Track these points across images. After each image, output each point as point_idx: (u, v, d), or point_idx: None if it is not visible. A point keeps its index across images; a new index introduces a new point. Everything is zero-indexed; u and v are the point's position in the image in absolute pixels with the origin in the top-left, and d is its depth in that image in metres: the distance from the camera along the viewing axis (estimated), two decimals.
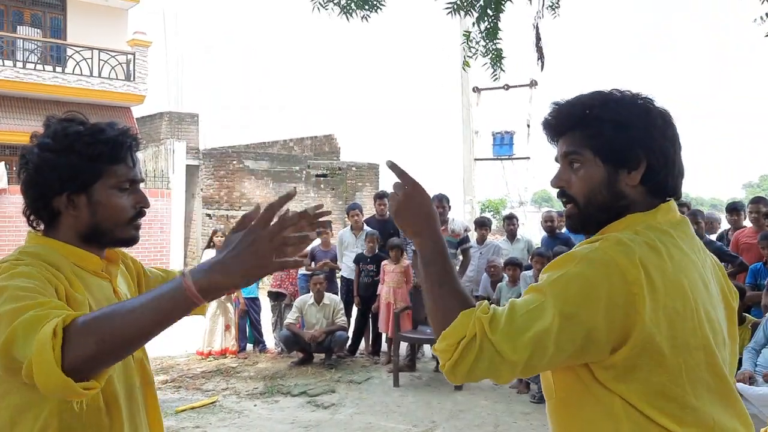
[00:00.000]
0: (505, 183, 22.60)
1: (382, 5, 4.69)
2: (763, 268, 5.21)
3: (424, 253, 1.24)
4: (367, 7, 4.66)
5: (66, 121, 1.37)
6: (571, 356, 1.10)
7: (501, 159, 21.22)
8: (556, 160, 1.30)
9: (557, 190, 1.31)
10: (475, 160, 17.26)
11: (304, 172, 14.62)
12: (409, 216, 1.27)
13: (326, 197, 14.83)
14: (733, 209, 6.26)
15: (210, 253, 7.60)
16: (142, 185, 1.47)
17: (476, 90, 23.05)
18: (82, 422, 1.27)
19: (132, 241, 1.45)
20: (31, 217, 1.38)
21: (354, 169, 15.48)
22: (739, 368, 4.19)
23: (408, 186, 1.28)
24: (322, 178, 14.89)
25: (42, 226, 1.38)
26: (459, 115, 15.69)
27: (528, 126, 23.00)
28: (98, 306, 1.35)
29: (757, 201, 5.85)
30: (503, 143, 22.02)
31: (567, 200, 1.28)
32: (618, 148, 1.20)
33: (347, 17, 4.66)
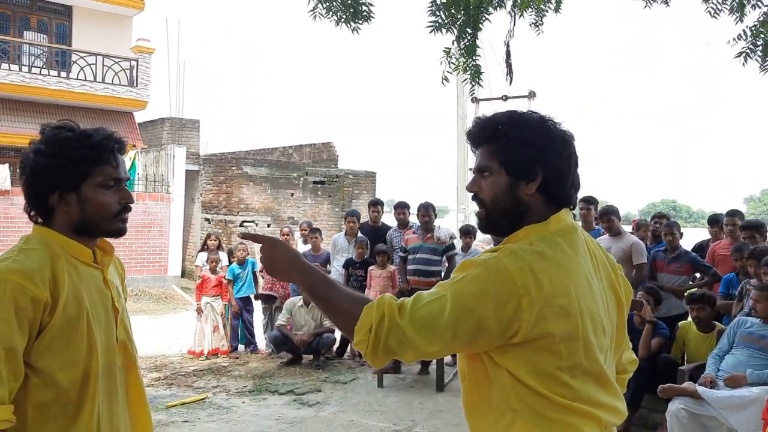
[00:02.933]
0: None
1: (372, 17, 4.92)
2: (735, 279, 5.40)
3: (304, 286, 1.46)
4: (358, 19, 4.89)
5: (57, 128, 1.60)
6: (467, 343, 1.31)
7: None
8: (473, 170, 1.51)
9: (471, 194, 1.52)
10: (470, 170, 17.46)
11: (302, 179, 14.86)
12: (276, 267, 1.50)
13: (323, 204, 15.06)
14: (714, 222, 6.48)
15: (203, 256, 7.84)
16: (129, 186, 1.70)
17: (474, 101, 23.36)
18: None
19: (119, 232, 1.66)
20: (32, 213, 1.60)
21: (351, 176, 15.71)
22: (702, 373, 4.39)
23: (264, 245, 1.51)
24: (319, 185, 15.12)
25: (41, 220, 1.61)
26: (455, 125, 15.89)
27: None
28: (89, 293, 1.56)
29: (732, 214, 6.05)
30: None
31: (478, 203, 1.50)
32: (519, 162, 1.41)
33: (346, 25, 4.89)
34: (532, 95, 23.06)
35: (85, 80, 15.23)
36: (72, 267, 1.54)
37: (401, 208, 7.29)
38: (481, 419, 1.39)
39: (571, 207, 1.48)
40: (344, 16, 4.81)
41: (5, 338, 1.38)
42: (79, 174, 1.56)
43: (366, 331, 1.31)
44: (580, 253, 1.41)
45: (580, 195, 1.60)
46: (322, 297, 1.43)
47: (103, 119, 15.73)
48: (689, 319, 5.35)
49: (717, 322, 5.03)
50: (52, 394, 1.46)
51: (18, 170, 1.65)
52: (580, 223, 7.00)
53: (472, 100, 23.09)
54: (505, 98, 22.87)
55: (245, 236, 1.79)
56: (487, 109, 20.13)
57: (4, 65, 14.50)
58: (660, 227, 6.30)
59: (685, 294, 5.35)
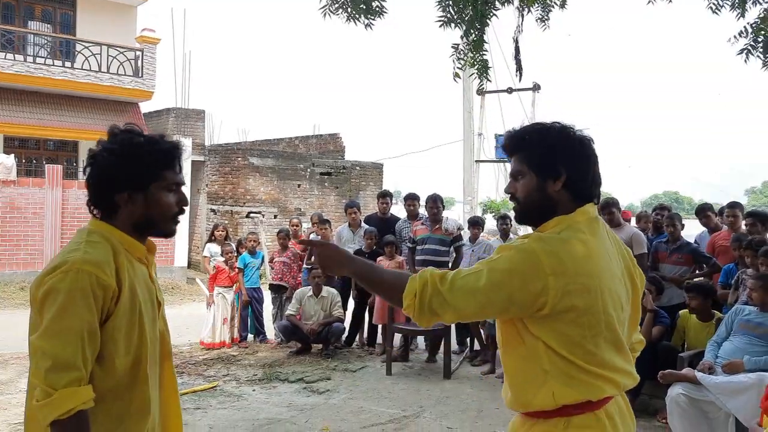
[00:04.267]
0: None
1: (385, 12, 5.01)
2: (735, 269, 5.52)
3: (355, 275, 1.78)
4: (371, 15, 4.98)
5: (129, 132, 1.70)
6: (500, 311, 1.58)
7: (503, 161, 21.52)
8: (509, 175, 1.80)
9: (509, 195, 1.80)
10: (477, 161, 17.55)
11: (309, 170, 14.96)
12: (331, 263, 1.80)
13: (330, 195, 15.17)
14: (700, 211, 6.61)
15: (211, 247, 7.98)
16: (183, 187, 1.80)
17: (480, 93, 23.38)
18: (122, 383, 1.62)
19: (173, 233, 1.80)
20: (93, 208, 1.70)
21: (358, 168, 15.81)
22: (701, 360, 4.52)
23: (317, 248, 1.84)
24: (326, 177, 15.22)
25: (99, 215, 1.70)
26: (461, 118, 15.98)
27: None
28: (140, 287, 1.67)
29: (732, 206, 6.17)
30: None
31: (515, 202, 1.77)
32: (544, 165, 1.68)
33: (354, 22, 4.98)
34: (536, 87, 23.14)
35: (90, 70, 15.30)
36: (128, 261, 1.66)
37: (411, 199, 7.42)
38: (519, 382, 1.64)
39: (595, 201, 1.73)
40: (355, 13, 4.89)
41: (88, 322, 1.50)
42: (150, 176, 1.68)
43: (412, 297, 1.59)
44: (601, 240, 1.65)
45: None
46: (371, 280, 1.75)
47: (108, 109, 15.83)
48: None
49: (716, 311, 5.15)
50: (112, 382, 1.58)
51: (85, 164, 1.74)
52: None
53: (478, 92, 23.18)
54: (510, 91, 22.93)
55: (302, 242, 2.21)
56: (493, 101, 20.17)
57: (9, 55, 14.55)
58: (662, 219, 6.41)
59: (680, 289, 5.48)
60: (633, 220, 7.13)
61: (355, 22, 4.99)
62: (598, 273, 1.57)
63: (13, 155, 12.75)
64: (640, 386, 5.04)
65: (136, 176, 1.66)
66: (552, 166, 1.66)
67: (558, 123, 1.74)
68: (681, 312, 5.24)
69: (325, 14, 4.98)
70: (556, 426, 1.57)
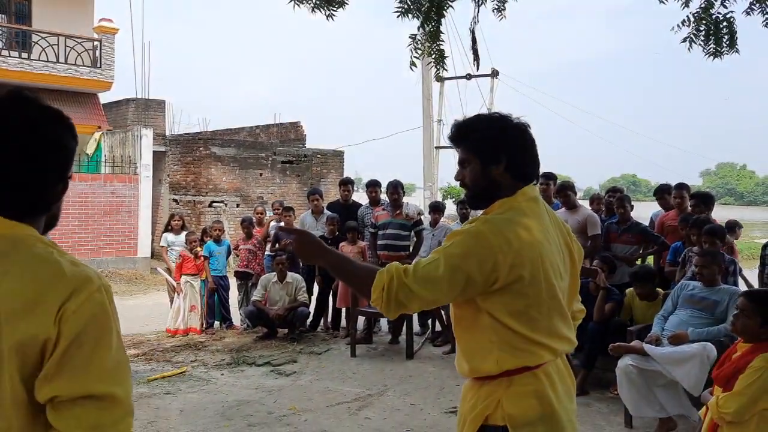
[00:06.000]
0: None
1: (346, 2, 5.11)
2: (682, 247, 5.82)
3: (328, 265, 1.87)
4: (333, 6, 5.07)
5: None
6: (460, 292, 1.72)
7: None
8: (457, 164, 1.96)
9: (459, 182, 1.98)
10: (437, 148, 17.78)
11: (270, 158, 14.97)
12: (307, 252, 1.89)
13: (292, 183, 15.22)
14: (659, 191, 6.91)
15: (168, 236, 8.01)
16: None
17: (439, 79, 23.60)
18: None
19: None
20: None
21: (319, 156, 15.88)
22: (649, 333, 4.79)
23: (297, 236, 1.93)
24: (287, 165, 15.25)
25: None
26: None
27: None
28: None
29: (680, 187, 6.47)
30: None
31: (464, 188, 1.96)
32: (487, 151, 1.86)
33: (320, 11, 5.06)
34: (495, 74, 23.45)
35: (48, 61, 14.99)
36: None
37: (373, 186, 7.57)
38: (470, 352, 1.81)
39: (535, 182, 1.92)
40: (319, 3, 4.98)
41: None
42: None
43: (380, 290, 1.71)
44: (540, 218, 1.83)
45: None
46: (343, 271, 1.86)
47: (67, 100, 15.51)
48: None
49: (660, 290, 5.42)
50: None
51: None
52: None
53: (436, 79, 23.39)
54: (469, 77, 23.18)
55: (282, 229, 2.17)
56: (452, 88, 20.40)
57: None
58: (614, 201, 6.69)
59: (631, 269, 5.74)
60: (587, 202, 7.39)
61: (320, 11, 5.09)
62: (539, 247, 1.73)
63: None
64: (594, 360, 5.31)
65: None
66: (494, 152, 1.83)
67: (498, 113, 1.93)
68: (627, 291, 5.50)
69: (294, 4, 5.07)
70: (500, 384, 1.75)
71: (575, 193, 6.49)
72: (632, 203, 6.47)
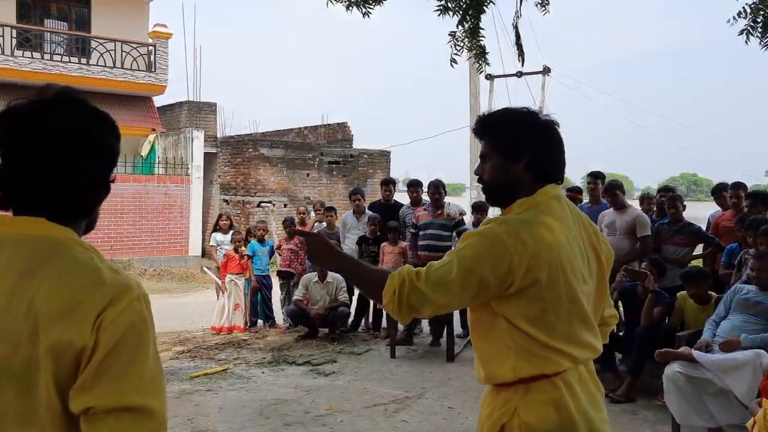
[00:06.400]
0: None
1: (383, 1, 5.08)
2: (738, 249, 5.54)
3: (340, 268, 1.85)
4: (370, 3, 5.05)
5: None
6: (473, 296, 1.65)
7: None
8: (479, 157, 1.88)
9: (477, 176, 1.89)
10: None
11: (317, 159, 15.10)
12: (319, 255, 1.88)
13: (338, 184, 15.30)
14: (716, 191, 6.62)
15: (216, 236, 8.17)
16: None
17: (489, 77, 23.30)
18: None
19: None
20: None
21: (365, 156, 15.91)
22: (699, 339, 4.56)
23: (309, 240, 1.90)
24: (334, 165, 15.35)
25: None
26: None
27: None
28: None
29: (736, 186, 6.17)
30: None
31: (482, 183, 1.86)
32: (508, 147, 1.77)
33: (358, 9, 5.06)
34: (546, 71, 23.00)
35: (105, 66, 15.54)
36: None
37: (414, 186, 7.52)
38: (486, 358, 1.74)
39: (558, 182, 1.82)
40: (354, 1, 4.96)
41: None
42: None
43: (391, 294, 1.66)
44: (561, 217, 1.73)
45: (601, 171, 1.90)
46: (355, 274, 1.83)
47: (123, 104, 16.07)
48: None
49: (713, 293, 5.17)
50: None
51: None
52: (587, 197, 7.17)
53: (486, 77, 23.05)
54: (520, 74, 22.77)
55: (295, 232, 2.20)
56: (501, 86, 20.13)
57: (27, 53, 14.84)
58: (665, 200, 6.43)
59: (683, 270, 5.50)
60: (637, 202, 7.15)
61: (358, 9, 5.07)
62: (558, 249, 1.64)
63: None
64: (641, 366, 5.11)
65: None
66: (516, 148, 1.75)
67: (526, 108, 1.83)
68: (679, 294, 5.27)
69: (327, 3, 5.07)
70: (517, 392, 1.67)
71: (624, 193, 6.27)
72: (685, 203, 6.21)
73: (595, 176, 6.71)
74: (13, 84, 14.65)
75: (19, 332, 1.06)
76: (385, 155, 16.23)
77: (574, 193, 7.30)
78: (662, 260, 5.67)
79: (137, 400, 1.07)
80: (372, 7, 4.79)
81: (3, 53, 14.35)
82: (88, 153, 1.18)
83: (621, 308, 5.76)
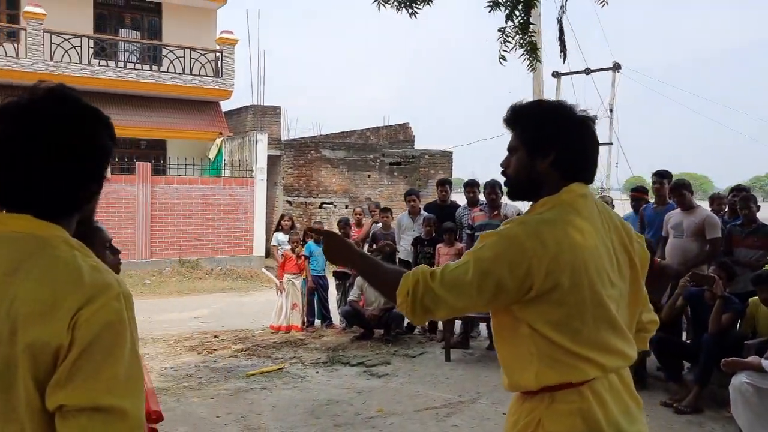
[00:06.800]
0: None
1: (431, 1, 5.04)
2: None
3: (356, 268, 1.81)
4: (418, 3, 5.02)
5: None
6: (490, 300, 1.57)
7: None
8: (507, 149, 1.78)
9: (502, 169, 1.79)
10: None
11: (378, 160, 15.15)
12: (335, 254, 1.82)
13: (399, 184, 15.29)
14: None
15: (278, 236, 8.30)
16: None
17: (556, 75, 22.74)
18: None
19: None
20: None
21: (427, 156, 15.84)
22: None
23: (326, 237, 1.85)
24: (395, 166, 15.36)
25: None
26: None
27: (610, 111, 22.46)
28: None
29: None
30: None
31: (505, 177, 1.78)
32: (535, 141, 1.68)
33: (406, 10, 5.04)
34: (616, 67, 22.23)
35: (175, 73, 16.13)
36: None
37: (470, 186, 7.41)
38: (509, 365, 1.67)
39: (588, 182, 1.71)
40: (404, 1, 4.94)
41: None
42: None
43: (405, 294, 1.59)
44: (586, 217, 1.63)
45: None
46: (370, 274, 1.79)
47: (191, 109, 16.65)
48: None
49: None
50: None
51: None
52: (651, 197, 6.87)
53: (552, 74, 22.52)
54: (588, 71, 22.14)
55: (309, 229, 2.18)
56: (568, 83, 19.60)
57: (102, 62, 15.59)
58: (737, 201, 6.08)
59: (755, 273, 5.18)
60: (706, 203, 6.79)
61: (406, 10, 5.05)
62: (582, 251, 1.55)
63: None
64: (709, 375, 4.84)
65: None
66: (543, 144, 1.66)
67: (561, 101, 1.76)
68: (751, 299, 4.96)
69: (378, 5, 5.06)
70: (542, 401, 1.58)
71: (691, 192, 5.96)
72: (759, 204, 5.84)
73: (661, 176, 6.42)
74: (89, 92, 15.43)
75: (0, 332, 1.07)
76: (447, 156, 16.12)
77: (639, 193, 7.02)
78: (732, 264, 5.36)
79: (109, 401, 1.06)
80: (420, 7, 4.75)
81: (81, 62, 15.13)
82: (77, 150, 1.18)
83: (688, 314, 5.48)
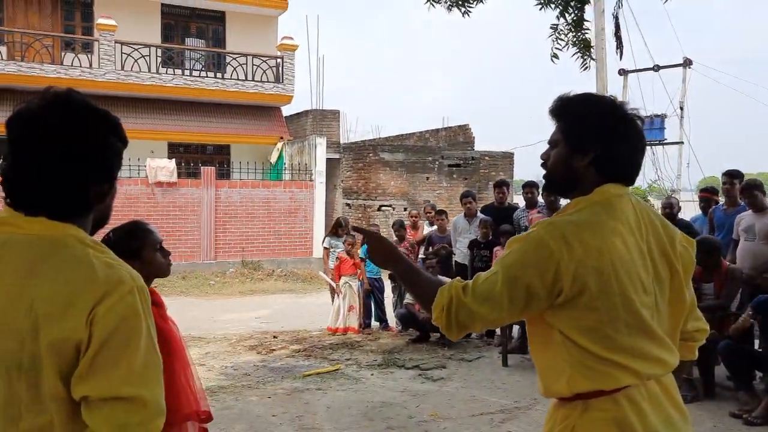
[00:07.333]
0: (656, 169, 21.30)
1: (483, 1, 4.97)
2: None
3: (396, 272, 1.77)
4: (471, 2, 4.96)
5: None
6: (523, 308, 1.54)
7: (651, 144, 20.09)
8: (548, 142, 1.73)
9: (542, 161, 1.75)
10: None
11: (437, 162, 15.08)
12: (378, 256, 1.80)
13: (458, 187, 15.16)
14: None
15: (330, 240, 8.37)
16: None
17: (622, 72, 22.05)
18: None
19: None
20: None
21: (487, 158, 15.66)
22: None
23: (370, 238, 1.83)
24: (454, 168, 15.25)
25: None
26: None
27: (681, 109, 21.59)
28: None
29: None
30: (653, 127, 20.84)
31: (545, 169, 1.73)
32: (576, 137, 1.63)
33: (458, 9, 5.01)
34: (687, 63, 21.37)
35: (238, 79, 16.57)
36: None
37: (529, 187, 7.26)
38: (544, 371, 1.63)
39: (628, 183, 1.65)
40: (456, 1, 4.90)
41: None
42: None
43: (440, 311, 1.57)
44: (618, 220, 1.56)
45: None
46: (410, 281, 1.74)
47: (254, 115, 17.05)
48: None
49: None
50: None
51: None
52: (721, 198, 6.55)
53: (619, 72, 21.87)
54: (657, 68, 21.41)
55: (354, 229, 2.17)
56: (634, 81, 18.98)
57: (170, 70, 16.18)
58: None
59: None
60: None
61: (458, 9, 5.01)
62: (611, 254, 1.49)
63: (174, 160, 14.17)
64: None
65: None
66: (583, 140, 1.60)
67: (608, 97, 1.68)
68: None
69: (429, 5, 5.05)
70: (575, 408, 1.54)
71: (764, 193, 5.65)
72: None
73: (732, 175, 6.11)
74: (158, 99, 16.05)
75: (23, 330, 1.14)
76: (507, 157, 15.88)
77: (708, 194, 6.71)
78: None
79: (128, 391, 1.14)
80: (473, 6, 4.69)
81: (150, 71, 15.75)
82: (87, 152, 1.23)
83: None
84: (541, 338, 1.61)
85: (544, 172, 1.74)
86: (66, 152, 1.21)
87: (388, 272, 8.11)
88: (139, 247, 2.18)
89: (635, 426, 1.48)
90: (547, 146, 1.73)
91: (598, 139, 1.59)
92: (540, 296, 1.50)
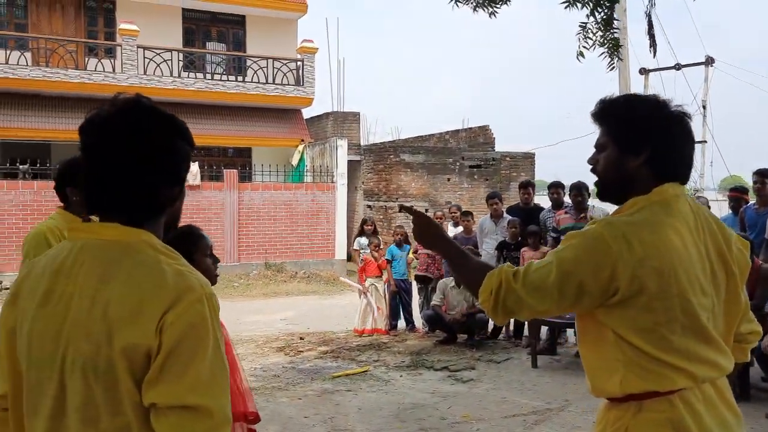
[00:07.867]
0: None
1: (509, 2, 4.97)
2: None
3: (443, 254, 1.81)
4: (497, 3, 4.95)
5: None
6: (573, 303, 1.53)
7: None
8: (594, 147, 1.72)
9: (591, 167, 1.74)
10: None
11: (458, 163, 15.06)
12: (424, 235, 1.81)
13: (479, 187, 15.14)
14: None
15: (360, 240, 8.39)
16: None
17: (643, 72, 21.83)
18: None
19: None
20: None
21: (508, 159, 15.60)
22: None
23: (417, 218, 1.83)
24: (475, 169, 15.22)
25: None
26: None
27: (704, 107, 21.32)
28: None
29: None
30: None
31: (595, 175, 1.72)
32: (626, 139, 1.61)
33: (483, 10, 5.00)
34: (710, 62, 21.11)
35: (258, 83, 16.66)
36: None
37: (555, 187, 7.23)
38: (593, 370, 1.61)
39: (682, 182, 1.64)
40: (482, 1, 4.89)
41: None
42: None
43: (488, 294, 1.58)
44: (677, 220, 1.55)
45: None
46: (458, 264, 1.76)
47: (275, 117, 17.14)
48: None
49: None
50: None
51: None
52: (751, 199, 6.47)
53: (640, 71, 21.65)
54: (679, 67, 21.15)
55: (403, 208, 2.09)
56: (656, 80, 18.80)
57: (191, 74, 16.33)
58: None
59: None
60: None
61: (484, 10, 5.00)
62: (671, 255, 1.48)
63: (197, 162, 14.28)
64: None
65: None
66: (635, 141, 1.59)
67: (652, 96, 1.67)
68: None
69: (453, 5, 5.04)
70: (628, 409, 1.52)
71: None
72: None
73: (763, 174, 6.03)
74: (180, 103, 16.20)
75: (99, 333, 1.16)
76: (529, 157, 15.81)
77: (738, 193, 6.64)
78: None
79: (195, 400, 1.14)
80: (498, 6, 4.68)
81: (171, 75, 15.91)
82: (156, 155, 1.25)
83: None
84: (592, 336, 1.60)
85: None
86: (136, 157, 1.23)
87: (415, 274, 8.18)
88: (192, 251, 2.20)
89: (691, 427, 1.46)
90: (593, 150, 1.71)
91: (649, 138, 1.58)
92: (593, 294, 1.49)
